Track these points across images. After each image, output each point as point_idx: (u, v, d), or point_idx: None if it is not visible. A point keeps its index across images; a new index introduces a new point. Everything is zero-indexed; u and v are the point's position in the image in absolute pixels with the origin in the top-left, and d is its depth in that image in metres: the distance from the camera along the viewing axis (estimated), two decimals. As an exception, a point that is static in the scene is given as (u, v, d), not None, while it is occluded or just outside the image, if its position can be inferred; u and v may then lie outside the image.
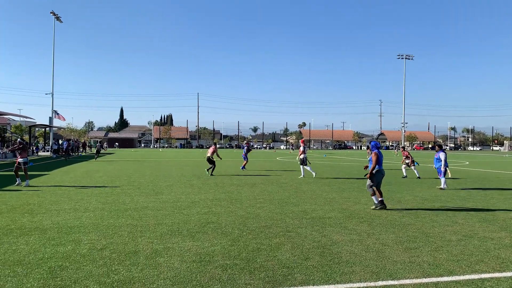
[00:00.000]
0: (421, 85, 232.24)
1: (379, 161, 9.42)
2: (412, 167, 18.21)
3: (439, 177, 14.45)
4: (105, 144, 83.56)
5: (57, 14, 51.74)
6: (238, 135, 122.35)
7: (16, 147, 14.58)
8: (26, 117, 49.07)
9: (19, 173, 14.34)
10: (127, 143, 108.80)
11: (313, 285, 4.48)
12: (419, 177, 17.76)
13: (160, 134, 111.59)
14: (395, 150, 65.32)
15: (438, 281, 4.64)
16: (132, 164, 27.78)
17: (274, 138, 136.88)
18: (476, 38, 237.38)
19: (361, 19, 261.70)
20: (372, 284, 4.55)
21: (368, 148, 29.22)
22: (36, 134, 77.87)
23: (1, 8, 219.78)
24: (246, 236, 6.66)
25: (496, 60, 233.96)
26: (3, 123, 51.88)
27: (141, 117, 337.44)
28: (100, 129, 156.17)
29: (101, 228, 7.16)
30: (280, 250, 5.87)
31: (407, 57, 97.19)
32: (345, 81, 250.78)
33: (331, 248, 6.00)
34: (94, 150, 44.44)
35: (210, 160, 18.93)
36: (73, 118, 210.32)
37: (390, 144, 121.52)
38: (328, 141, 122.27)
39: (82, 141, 63.49)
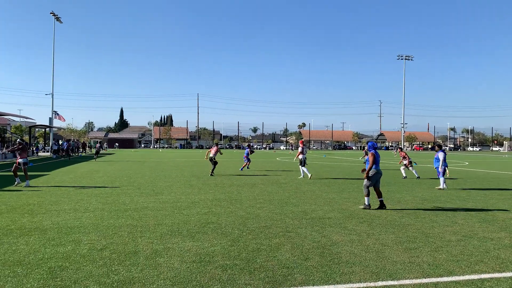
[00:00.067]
0: (420, 86, 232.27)
1: (376, 161, 9.49)
2: (410, 168, 18.23)
3: (438, 177, 14.48)
4: (105, 145, 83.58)
5: (57, 15, 51.76)
6: (238, 135, 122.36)
7: (16, 147, 14.58)
8: (26, 118, 49.05)
9: (19, 173, 14.35)
10: (127, 144, 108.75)
11: (313, 285, 4.49)
12: (418, 177, 17.78)
13: (160, 135, 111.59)
14: (395, 151, 65.36)
15: (438, 282, 4.64)
16: (132, 164, 27.78)
17: (274, 139, 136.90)
18: (475, 39, 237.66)
19: (361, 19, 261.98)
20: (372, 284, 4.55)
21: (363, 148, 29.42)
22: (36, 134, 77.88)
23: (1, 8, 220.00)
24: (246, 237, 6.67)
25: (496, 60, 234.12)
26: (3, 123, 51.89)
27: (141, 118, 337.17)
28: (100, 129, 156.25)
29: (101, 229, 7.16)
30: (280, 250, 5.87)
31: (407, 57, 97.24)
32: (345, 81, 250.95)
33: (331, 248, 6.00)
34: (94, 151, 44.42)
35: (212, 160, 19.04)
36: (73, 119, 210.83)
37: (390, 144, 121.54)
38: (327, 141, 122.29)
39: (82, 141, 63.48)
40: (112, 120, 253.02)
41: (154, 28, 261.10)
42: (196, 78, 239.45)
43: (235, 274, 4.83)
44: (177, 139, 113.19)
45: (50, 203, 9.98)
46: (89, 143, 78.68)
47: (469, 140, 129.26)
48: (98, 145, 39.68)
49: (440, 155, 14.21)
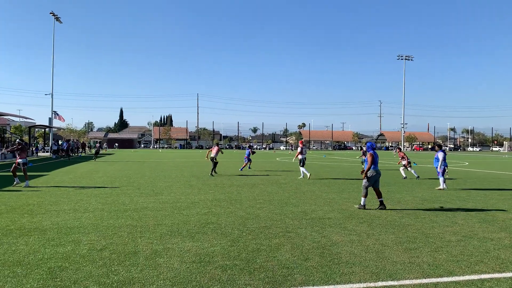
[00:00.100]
0: (420, 86, 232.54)
1: (374, 161, 9.51)
2: (409, 168, 18.24)
3: (438, 176, 14.49)
4: (104, 145, 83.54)
5: (57, 15, 51.76)
6: (238, 135, 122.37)
7: (15, 148, 14.58)
8: (26, 118, 49.00)
9: (18, 173, 14.34)
10: (126, 144, 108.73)
11: (313, 286, 4.48)
12: (418, 177, 17.79)
13: (159, 135, 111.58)
14: (394, 151, 65.35)
15: (437, 282, 4.64)
16: (131, 164, 27.77)
17: (273, 139, 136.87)
18: (475, 39, 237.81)
19: (361, 19, 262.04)
20: (371, 284, 4.55)
21: (361, 149, 29.48)
22: (36, 134, 77.89)
23: (1, 8, 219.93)
24: (245, 237, 6.66)
25: (495, 60, 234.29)
26: (3, 123, 51.87)
27: (140, 118, 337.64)
28: (100, 129, 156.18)
29: (101, 229, 7.15)
30: (280, 250, 5.87)
31: (407, 57, 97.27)
32: (344, 81, 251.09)
33: (330, 248, 6.00)
34: (93, 151, 44.43)
35: (213, 160, 19.13)
36: (72, 119, 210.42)
37: (390, 145, 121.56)
38: (327, 141, 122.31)
39: (82, 141, 63.47)
40: (111, 120, 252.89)
41: (154, 28, 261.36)
42: (196, 78, 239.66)
43: (235, 274, 4.83)
44: (177, 139, 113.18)
45: (49, 204, 9.98)
46: (89, 143, 78.65)
47: (469, 140, 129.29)
48: (97, 145, 39.68)
49: (440, 155, 14.21)
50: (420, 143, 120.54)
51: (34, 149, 43.92)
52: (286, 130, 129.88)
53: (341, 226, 7.56)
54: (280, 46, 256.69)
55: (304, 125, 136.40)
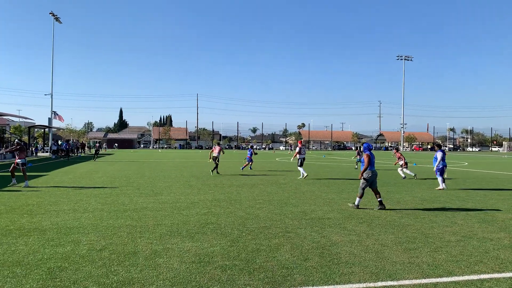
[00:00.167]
0: (420, 86, 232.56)
1: (371, 162, 9.54)
2: (405, 169, 18.30)
3: (436, 176, 14.52)
4: (104, 145, 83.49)
5: (56, 15, 51.76)
6: (237, 136, 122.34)
7: (14, 148, 14.57)
8: (25, 118, 48.98)
9: (16, 173, 14.33)
10: (126, 144, 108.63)
11: (313, 286, 4.49)
12: (415, 175, 17.90)
13: (159, 135, 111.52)
14: (393, 152, 65.48)
15: (437, 282, 4.64)
16: (131, 164, 27.76)
17: (273, 139, 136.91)
18: (475, 39, 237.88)
19: (361, 19, 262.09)
20: (371, 284, 4.55)
21: (357, 149, 29.53)
22: (35, 135, 77.84)
23: (1, 8, 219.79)
24: (245, 237, 6.66)
25: (495, 60, 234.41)
26: (2, 124, 51.82)
27: (140, 118, 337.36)
28: (99, 129, 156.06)
29: (100, 229, 7.15)
30: (280, 250, 5.87)
31: (406, 58, 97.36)
32: (344, 81, 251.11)
33: (330, 248, 6.00)
34: (93, 151, 44.41)
35: (216, 160, 19.28)
36: (72, 119, 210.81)
37: (389, 145, 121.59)
38: (327, 141, 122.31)
39: (81, 142, 63.43)
40: (111, 120, 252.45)
41: (154, 28, 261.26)
42: (196, 78, 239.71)
43: (235, 274, 4.83)
44: (177, 140, 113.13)
45: (49, 204, 9.97)
46: (88, 143, 78.58)
47: (469, 140, 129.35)
48: (97, 145, 39.68)
49: (438, 154, 14.27)
50: (420, 143, 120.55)
51: (33, 149, 43.89)
52: (285, 130, 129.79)
53: (340, 226, 7.57)
54: (279, 46, 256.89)
55: (303, 125, 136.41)
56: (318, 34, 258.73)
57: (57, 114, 53.43)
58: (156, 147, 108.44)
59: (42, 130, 59.45)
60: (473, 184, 15.96)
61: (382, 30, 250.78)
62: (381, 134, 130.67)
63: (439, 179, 14.09)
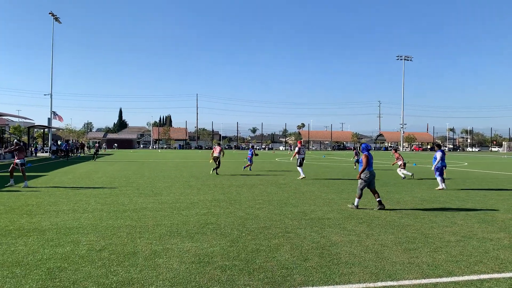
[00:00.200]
0: (420, 86, 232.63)
1: (369, 162, 9.56)
2: (403, 170, 18.39)
3: (435, 176, 14.57)
4: (103, 145, 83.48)
5: (56, 15, 51.78)
6: (237, 136, 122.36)
7: (13, 148, 14.56)
8: (25, 118, 48.96)
9: (16, 174, 14.31)
10: (126, 144, 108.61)
11: (312, 286, 4.48)
12: (412, 174, 18.01)
13: (159, 135, 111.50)
14: (392, 152, 65.56)
15: (437, 282, 4.64)
16: (131, 165, 27.76)
17: (273, 139, 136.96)
18: (475, 39, 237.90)
19: (360, 19, 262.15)
20: (371, 285, 4.55)
21: (354, 149, 29.61)
22: (35, 135, 77.83)
23: (1, 8, 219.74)
24: (245, 237, 6.66)
25: (495, 61, 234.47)
26: (2, 124, 51.81)
27: (140, 118, 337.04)
28: (99, 130, 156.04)
29: (100, 229, 7.15)
30: (279, 251, 5.86)
31: (406, 58, 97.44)
32: (344, 81, 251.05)
33: (330, 249, 6.00)
34: (92, 151, 44.39)
35: (217, 160, 19.41)
36: (71, 119, 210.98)
37: (389, 145, 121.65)
38: (327, 142, 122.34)
39: (80, 142, 63.43)
40: (111, 120, 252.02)
41: (154, 28, 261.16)
42: (195, 78, 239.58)
43: (234, 274, 4.82)
44: (176, 140, 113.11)
45: (48, 204, 9.96)
46: (88, 143, 78.57)
47: (468, 140, 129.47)
48: (96, 145, 39.67)
49: (438, 154, 14.33)
50: (420, 143, 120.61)
51: (33, 149, 43.87)
52: (285, 131, 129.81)
53: (340, 227, 7.56)
54: (279, 46, 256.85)
55: (303, 125, 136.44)
56: (318, 34, 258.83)
57: (56, 114, 53.43)
58: (155, 147, 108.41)
59: (42, 130, 59.46)
60: (473, 184, 15.97)
61: (382, 30, 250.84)
62: (380, 134, 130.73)
63: (438, 179, 14.12)
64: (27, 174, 14.45)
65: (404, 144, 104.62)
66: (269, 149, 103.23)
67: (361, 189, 9.62)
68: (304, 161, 18.38)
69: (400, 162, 18.60)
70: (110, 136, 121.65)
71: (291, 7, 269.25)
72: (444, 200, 11.28)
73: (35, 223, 7.61)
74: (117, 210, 9.19)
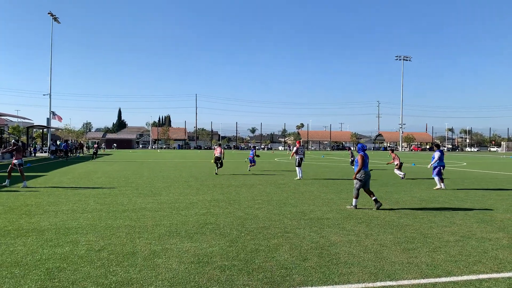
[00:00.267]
0: (419, 86, 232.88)
1: (365, 163, 9.57)
2: (396, 171, 18.43)
3: (432, 176, 14.61)
4: (102, 145, 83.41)
5: (55, 15, 51.76)
6: (236, 136, 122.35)
7: (10, 148, 14.54)
8: (24, 118, 48.92)
9: (15, 174, 14.28)
10: (125, 144, 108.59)
11: (312, 286, 4.49)
12: (404, 174, 18.10)
13: (158, 135, 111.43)
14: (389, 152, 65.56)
15: (436, 282, 4.65)
16: (130, 165, 27.74)
17: (272, 139, 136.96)
18: (474, 39, 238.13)
19: (360, 19, 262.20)
20: (370, 285, 4.55)
21: (348, 149, 29.59)
22: (34, 135, 77.73)
23: (1, 8, 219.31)
24: (244, 237, 6.66)
25: (494, 61, 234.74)
26: (1, 124, 51.72)
27: (139, 118, 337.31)
28: (98, 130, 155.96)
29: (99, 229, 7.14)
30: (279, 251, 5.87)
31: (405, 58, 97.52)
32: (344, 81, 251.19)
33: (329, 249, 6.00)
34: (91, 151, 44.35)
35: (219, 160, 19.51)
36: (71, 119, 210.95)
37: (388, 145, 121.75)
38: (326, 142, 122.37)
39: (80, 142, 63.36)
40: (110, 120, 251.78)
41: (153, 28, 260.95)
42: (195, 78, 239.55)
43: (234, 275, 4.82)
44: (175, 140, 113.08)
45: (48, 204, 9.95)
46: (87, 143, 78.49)
47: (467, 140, 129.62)
48: (96, 146, 39.64)
49: (436, 154, 14.38)
50: (418, 143, 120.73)
51: (32, 149, 43.82)
52: (284, 131, 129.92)
53: (339, 227, 7.57)
54: (279, 46, 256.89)
55: (302, 125, 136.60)
56: (318, 34, 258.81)
57: (55, 114, 53.41)
58: (154, 147, 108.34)
59: (41, 130, 59.40)
60: (472, 184, 15.99)
61: (382, 30, 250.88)
62: (380, 134, 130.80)
63: (436, 178, 14.16)
64: (26, 174, 14.41)
65: (403, 144, 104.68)
66: (268, 149, 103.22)
67: (358, 189, 9.64)
68: (303, 161, 18.36)
69: (396, 162, 18.70)
70: (109, 136, 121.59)
71: (291, 7, 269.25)
72: (443, 200, 11.29)
73: (34, 223, 7.60)
74: (116, 210, 9.18)
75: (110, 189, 13.25)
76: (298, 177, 17.36)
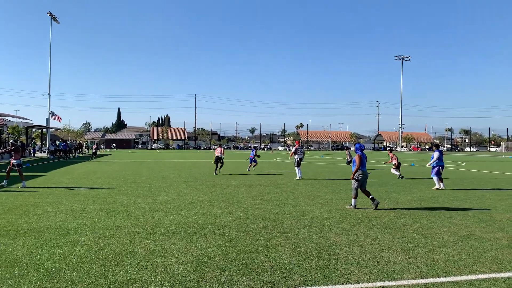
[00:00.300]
0: (419, 86, 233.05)
1: (362, 163, 9.57)
2: (393, 170, 18.46)
3: (431, 176, 14.64)
4: (102, 145, 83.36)
5: (54, 15, 51.72)
6: (236, 136, 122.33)
7: (9, 149, 14.52)
8: (23, 118, 48.88)
9: (14, 174, 14.26)
10: (124, 144, 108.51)
11: (311, 286, 4.48)
12: (399, 175, 18.12)
13: (157, 135, 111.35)
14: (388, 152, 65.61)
15: (435, 282, 4.65)
16: (129, 165, 27.72)
17: (271, 139, 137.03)
18: (473, 39, 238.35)
19: (360, 19, 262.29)
20: (369, 285, 4.55)
21: (346, 149, 29.44)
22: (33, 135, 77.66)
23: (1, 8, 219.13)
24: (243, 237, 6.66)
25: (493, 61, 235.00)
26: (0, 124, 51.68)
27: (138, 118, 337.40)
28: (97, 130, 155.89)
29: (98, 230, 7.13)
30: (278, 251, 5.86)
31: (405, 58, 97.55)
32: (344, 81, 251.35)
33: (328, 249, 6.00)
34: (91, 151, 44.31)
35: (219, 159, 19.63)
36: (70, 119, 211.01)
37: (387, 145, 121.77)
38: (325, 142, 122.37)
39: (79, 142, 63.32)
40: (109, 120, 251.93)
41: (153, 28, 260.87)
42: (194, 78, 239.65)
43: (233, 275, 4.82)
44: (175, 140, 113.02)
45: (47, 204, 9.94)
46: (86, 143, 78.43)
47: (467, 140, 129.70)
48: (95, 146, 39.60)
49: (435, 154, 14.42)
50: (418, 143, 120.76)
51: (31, 149, 43.77)
52: (284, 131, 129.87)
53: (339, 227, 7.57)
54: (279, 46, 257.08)
55: (301, 125, 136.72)
56: (318, 34, 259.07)
57: (55, 114, 53.36)
58: (154, 148, 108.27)
59: (40, 130, 59.35)
60: (471, 184, 16.00)
61: (382, 30, 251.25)
62: (379, 135, 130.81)
63: (435, 178, 14.19)
64: (25, 174, 14.39)
65: (402, 144, 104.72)
66: (267, 149, 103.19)
67: (356, 189, 9.64)
68: (302, 161, 18.35)
69: (394, 162, 18.81)
70: (109, 136, 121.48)
71: (291, 7, 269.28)
72: (443, 200, 11.30)
73: (33, 224, 7.60)
74: (115, 210, 9.17)
75: (109, 189, 13.24)
76: (298, 177, 17.36)
